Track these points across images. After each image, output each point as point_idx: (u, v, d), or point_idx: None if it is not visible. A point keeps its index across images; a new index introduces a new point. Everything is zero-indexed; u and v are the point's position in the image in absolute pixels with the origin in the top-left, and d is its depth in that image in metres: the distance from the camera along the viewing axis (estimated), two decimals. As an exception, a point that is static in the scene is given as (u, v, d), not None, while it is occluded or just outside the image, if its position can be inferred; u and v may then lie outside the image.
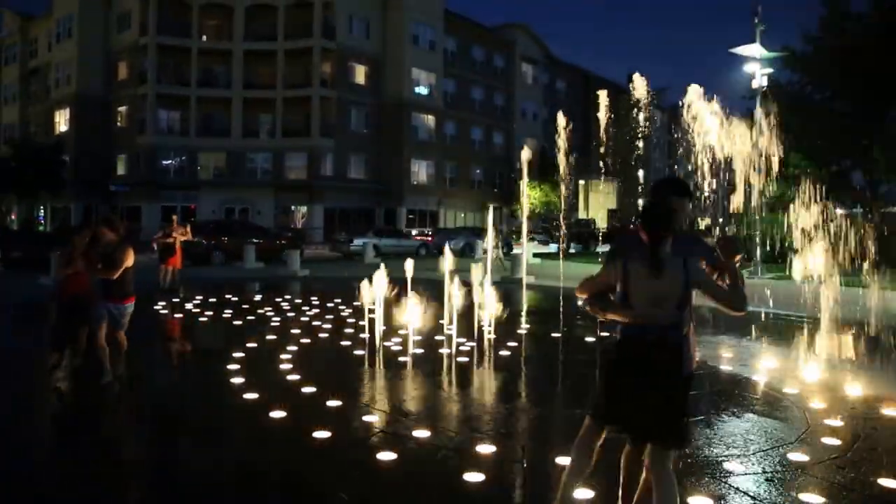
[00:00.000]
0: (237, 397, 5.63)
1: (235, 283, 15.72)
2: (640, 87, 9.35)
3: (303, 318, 10.06)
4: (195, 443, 4.72)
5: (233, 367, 6.65)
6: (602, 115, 11.16)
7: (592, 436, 2.99)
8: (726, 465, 4.14)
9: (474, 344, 7.57)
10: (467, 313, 8.01)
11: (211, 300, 12.09)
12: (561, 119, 9.56)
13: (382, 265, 7.48)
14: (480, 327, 7.72)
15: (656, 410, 2.78)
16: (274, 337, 8.44)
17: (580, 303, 2.99)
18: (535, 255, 24.05)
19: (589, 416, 3.02)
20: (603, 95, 10.27)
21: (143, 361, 6.88)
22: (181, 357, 8.27)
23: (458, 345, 7.58)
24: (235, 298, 12.41)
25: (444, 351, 7.39)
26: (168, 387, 6.38)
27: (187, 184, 39.11)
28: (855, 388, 5.91)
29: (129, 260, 5.83)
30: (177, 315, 10.42)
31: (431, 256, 27.04)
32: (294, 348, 7.71)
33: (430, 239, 29.52)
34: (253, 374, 6.35)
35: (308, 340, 8.27)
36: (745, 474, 4.02)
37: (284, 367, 6.71)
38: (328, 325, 9.40)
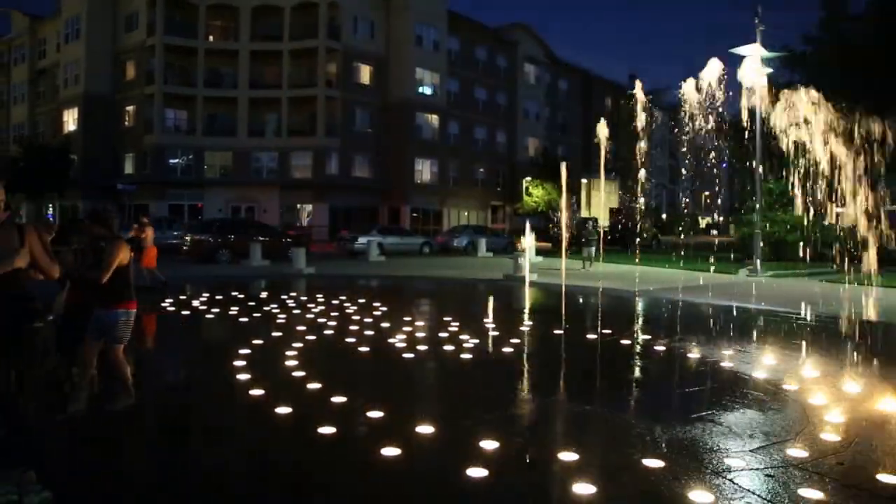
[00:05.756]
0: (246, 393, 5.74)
1: (242, 280, 15.87)
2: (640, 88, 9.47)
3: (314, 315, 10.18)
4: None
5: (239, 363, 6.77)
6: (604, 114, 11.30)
7: None
8: (727, 461, 4.20)
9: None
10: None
11: (217, 297, 12.24)
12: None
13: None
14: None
15: None
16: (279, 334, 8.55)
17: None
18: (538, 253, 24.14)
19: None
20: (605, 95, 10.38)
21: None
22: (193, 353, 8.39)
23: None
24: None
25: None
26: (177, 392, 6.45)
27: (194, 182, 39.40)
28: (854, 385, 5.99)
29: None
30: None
31: (432, 253, 27.17)
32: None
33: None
34: (261, 370, 6.46)
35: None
36: (745, 470, 4.08)
37: (288, 363, 6.82)
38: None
